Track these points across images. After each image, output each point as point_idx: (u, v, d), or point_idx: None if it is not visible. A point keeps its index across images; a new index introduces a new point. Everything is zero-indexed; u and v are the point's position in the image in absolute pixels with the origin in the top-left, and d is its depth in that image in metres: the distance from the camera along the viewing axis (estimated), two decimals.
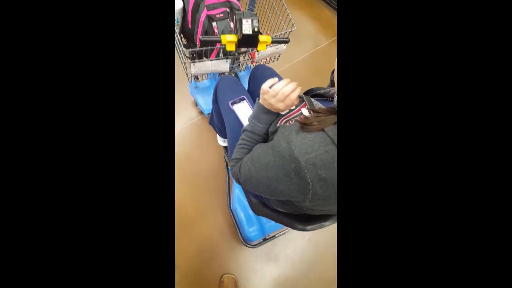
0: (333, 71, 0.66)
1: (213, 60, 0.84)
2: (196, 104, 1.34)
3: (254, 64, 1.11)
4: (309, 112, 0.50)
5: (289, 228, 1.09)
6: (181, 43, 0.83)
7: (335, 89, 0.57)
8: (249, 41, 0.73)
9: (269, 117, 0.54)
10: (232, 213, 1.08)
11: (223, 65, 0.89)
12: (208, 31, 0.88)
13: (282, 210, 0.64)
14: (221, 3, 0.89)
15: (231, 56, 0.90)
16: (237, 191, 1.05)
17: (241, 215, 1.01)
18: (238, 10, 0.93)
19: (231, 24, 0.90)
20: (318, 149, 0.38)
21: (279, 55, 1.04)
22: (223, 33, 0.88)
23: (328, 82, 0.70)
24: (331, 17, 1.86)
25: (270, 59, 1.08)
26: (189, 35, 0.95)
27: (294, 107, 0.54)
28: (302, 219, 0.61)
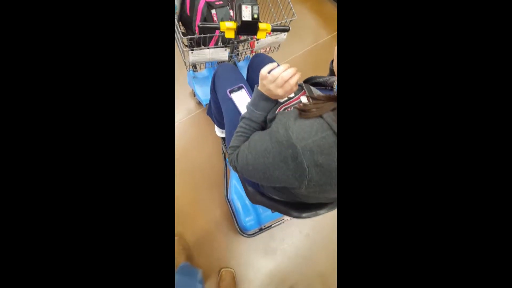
0: (332, 61, 0.66)
1: (212, 48, 0.83)
2: (194, 95, 1.33)
3: (254, 54, 1.10)
4: (308, 100, 0.49)
5: (284, 219, 1.11)
6: (179, 30, 0.82)
7: (334, 77, 0.57)
8: (249, 28, 0.72)
9: (268, 104, 0.54)
10: (229, 202, 1.09)
11: (222, 54, 0.88)
12: (207, 18, 0.86)
13: (278, 198, 0.65)
14: None
15: (230, 45, 0.89)
16: (235, 182, 1.05)
17: (238, 204, 1.02)
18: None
19: (231, 12, 0.89)
20: (316, 135, 0.38)
21: (279, 45, 1.03)
22: (222, 20, 0.86)
23: (328, 72, 0.70)
24: (334, 11, 1.83)
25: (270, 49, 1.06)
26: (187, 22, 0.93)
27: (293, 94, 0.54)
28: (297, 206, 0.61)
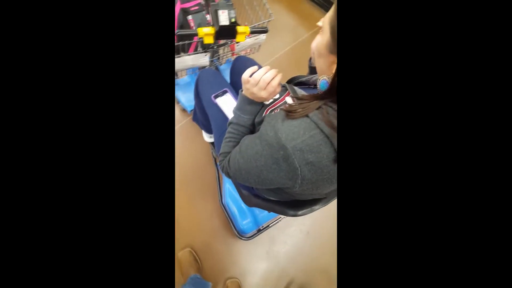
0: (310, 58, 0.67)
1: (192, 54, 0.82)
2: (178, 102, 1.32)
3: (235, 56, 1.10)
4: (293, 100, 0.50)
5: (281, 218, 1.12)
6: None
7: (316, 75, 0.58)
8: (227, 33, 0.71)
9: (254, 108, 0.54)
10: (224, 208, 1.09)
11: (203, 59, 0.87)
12: (183, 25, 0.86)
13: (273, 199, 0.65)
14: None
15: (210, 50, 0.89)
16: (228, 186, 1.05)
17: (234, 208, 1.02)
18: (214, 1, 0.91)
19: (207, 16, 0.88)
20: (304, 135, 0.39)
21: (260, 46, 1.03)
22: (199, 26, 0.86)
23: (307, 70, 0.71)
24: (310, 9, 1.86)
25: (251, 50, 1.07)
26: None
27: (277, 96, 0.54)
28: (293, 205, 0.62)
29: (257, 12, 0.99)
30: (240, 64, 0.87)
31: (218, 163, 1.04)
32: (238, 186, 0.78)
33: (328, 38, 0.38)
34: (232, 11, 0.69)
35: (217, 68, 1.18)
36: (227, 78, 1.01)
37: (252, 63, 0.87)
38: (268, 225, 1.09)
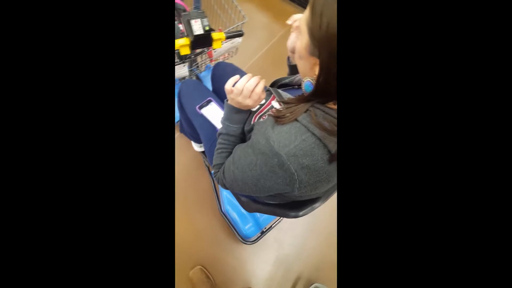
0: (288, 57, 0.67)
1: None
2: None
3: (213, 62, 1.08)
4: (280, 104, 0.50)
5: (283, 218, 1.13)
6: None
7: (299, 76, 0.58)
8: (203, 41, 0.70)
9: (241, 116, 0.54)
10: (224, 215, 1.08)
11: (182, 70, 0.86)
12: None
13: (272, 202, 0.65)
14: None
15: (187, 60, 0.87)
16: (225, 193, 1.04)
17: (234, 215, 1.01)
18: (184, 10, 0.90)
19: (180, 26, 0.86)
20: (296, 140, 0.38)
21: (237, 49, 1.02)
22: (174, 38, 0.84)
23: (287, 70, 0.70)
24: (282, 4, 1.85)
25: (229, 54, 1.05)
26: None
27: (263, 101, 0.54)
28: (293, 206, 0.62)
29: (230, 15, 0.98)
30: (220, 70, 0.86)
31: (212, 172, 1.03)
32: (237, 194, 0.78)
33: (307, 41, 0.37)
34: (205, 19, 0.67)
35: (197, 77, 1.16)
36: (209, 86, 1.00)
37: (232, 67, 0.86)
38: (271, 226, 1.09)
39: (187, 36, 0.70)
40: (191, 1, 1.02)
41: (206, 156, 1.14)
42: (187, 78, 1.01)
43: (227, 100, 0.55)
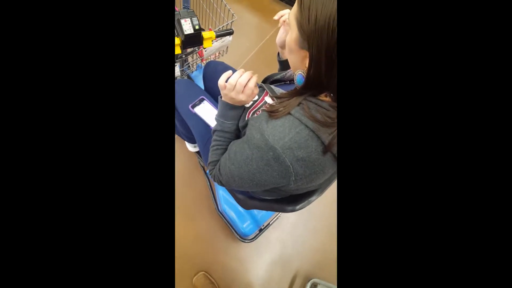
0: (278, 53, 0.68)
1: None
2: None
3: (204, 62, 1.08)
4: (272, 100, 0.50)
5: (280, 214, 1.13)
6: None
7: (290, 71, 0.58)
8: (194, 40, 0.70)
9: (235, 113, 0.54)
10: (222, 215, 1.08)
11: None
12: None
13: (269, 198, 0.66)
14: None
15: (179, 59, 0.87)
16: (222, 192, 1.04)
17: (232, 214, 1.01)
18: (174, 11, 0.89)
19: None
20: (290, 132, 0.39)
21: (227, 47, 1.03)
22: None
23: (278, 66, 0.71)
24: (272, 4, 1.86)
25: (219, 53, 1.06)
26: None
27: (256, 97, 0.54)
28: (290, 200, 0.62)
29: (220, 14, 0.98)
30: (212, 69, 0.86)
31: (207, 172, 1.03)
32: (233, 191, 0.78)
33: (296, 34, 0.38)
34: (195, 19, 0.67)
35: (189, 77, 1.16)
36: (201, 85, 0.99)
37: (223, 66, 0.86)
38: (269, 223, 1.10)
39: (177, 35, 0.70)
40: (180, 1, 1.01)
41: (200, 157, 1.14)
42: (178, 78, 1.00)
43: (221, 97, 0.55)
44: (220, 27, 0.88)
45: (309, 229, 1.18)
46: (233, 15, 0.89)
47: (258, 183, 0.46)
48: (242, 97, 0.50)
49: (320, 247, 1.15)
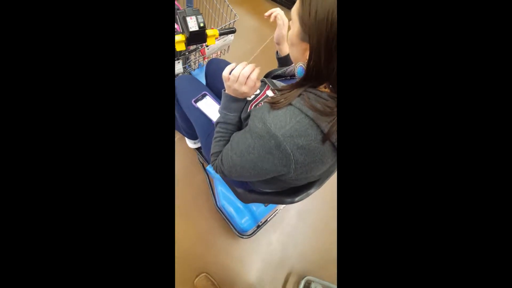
0: (277, 52, 0.71)
1: None
2: None
3: (206, 60, 1.11)
4: (274, 93, 0.53)
5: (278, 210, 1.15)
6: None
7: (291, 67, 0.61)
8: (198, 37, 0.73)
9: (238, 105, 0.56)
10: (220, 210, 1.09)
11: (176, 67, 0.87)
12: None
13: (269, 191, 0.68)
14: None
15: (182, 57, 0.89)
16: (221, 188, 1.05)
17: (230, 209, 1.02)
18: (178, 9, 0.92)
19: (175, 25, 0.88)
20: (291, 121, 0.41)
21: (229, 46, 1.05)
22: None
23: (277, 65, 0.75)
24: (271, 7, 1.89)
25: (221, 52, 1.08)
26: None
27: (258, 91, 0.57)
28: (289, 193, 0.64)
29: (222, 14, 1.01)
30: (215, 66, 0.88)
31: (207, 168, 1.04)
32: (232, 185, 0.79)
33: (298, 28, 0.41)
34: (200, 16, 0.70)
35: (190, 74, 1.18)
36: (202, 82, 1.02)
37: (225, 63, 0.88)
38: (266, 220, 1.11)
39: (182, 33, 0.73)
40: (183, 1, 1.04)
41: (201, 152, 1.16)
42: (180, 74, 1.03)
43: (224, 90, 0.57)
44: (222, 26, 0.90)
45: (304, 229, 1.19)
46: (235, 15, 0.92)
47: (259, 172, 0.48)
48: (244, 89, 0.53)
49: (314, 245, 1.16)
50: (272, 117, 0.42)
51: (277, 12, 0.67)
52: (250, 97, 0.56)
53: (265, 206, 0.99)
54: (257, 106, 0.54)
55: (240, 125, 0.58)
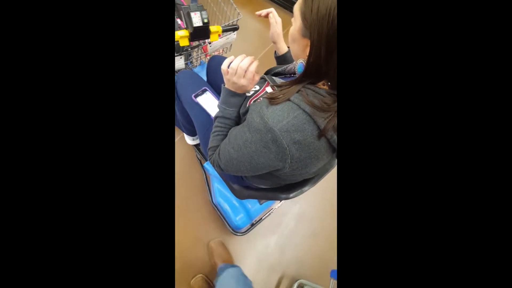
0: (275, 51, 0.72)
1: None
2: None
3: (208, 58, 1.12)
4: (273, 89, 0.54)
5: (273, 209, 1.15)
6: None
7: (290, 65, 0.62)
8: (202, 33, 0.74)
9: (237, 100, 0.57)
10: (216, 207, 1.09)
11: (178, 62, 0.88)
12: None
13: (264, 187, 0.68)
14: None
15: (184, 52, 0.90)
16: (217, 185, 1.06)
17: (226, 206, 1.03)
18: (182, 5, 0.93)
19: (178, 21, 0.89)
20: (288, 116, 0.42)
21: (231, 45, 1.06)
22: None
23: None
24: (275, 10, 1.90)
25: (223, 50, 1.09)
26: None
27: (258, 87, 0.57)
28: (284, 189, 0.65)
29: (225, 12, 1.02)
30: (216, 63, 0.89)
31: (204, 165, 1.05)
32: (228, 181, 0.80)
33: (299, 24, 0.42)
34: (204, 12, 0.71)
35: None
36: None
37: None
38: (261, 218, 1.12)
39: (186, 28, 0.74)
40: None
41: (198, 148, 1.16)
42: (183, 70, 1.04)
43: (224, 84, 0.58)
44: (226, 23, 0.92)
45: (297, 232, 1.19)
46: (239, 13, 0.93)
47: (255, 166, 0.48)
48: (244, 82, 0.53)
49: (307, 249, 1.16)
50: (270, 111, 0.43)
51: (270, 10, 0.69)
52: (249, 92, 0.57)
53: (260, 204, 1.00)
54: (257, 102, 0.55)
55: (238, 120, 0.59)
